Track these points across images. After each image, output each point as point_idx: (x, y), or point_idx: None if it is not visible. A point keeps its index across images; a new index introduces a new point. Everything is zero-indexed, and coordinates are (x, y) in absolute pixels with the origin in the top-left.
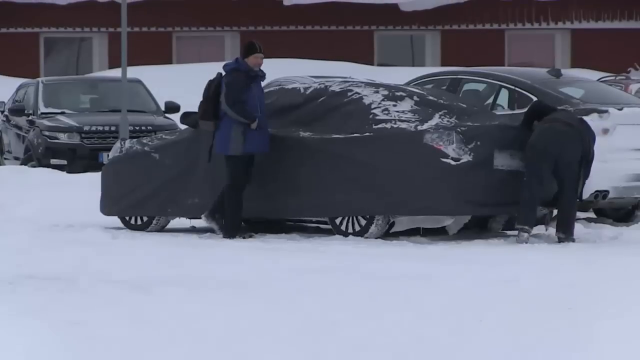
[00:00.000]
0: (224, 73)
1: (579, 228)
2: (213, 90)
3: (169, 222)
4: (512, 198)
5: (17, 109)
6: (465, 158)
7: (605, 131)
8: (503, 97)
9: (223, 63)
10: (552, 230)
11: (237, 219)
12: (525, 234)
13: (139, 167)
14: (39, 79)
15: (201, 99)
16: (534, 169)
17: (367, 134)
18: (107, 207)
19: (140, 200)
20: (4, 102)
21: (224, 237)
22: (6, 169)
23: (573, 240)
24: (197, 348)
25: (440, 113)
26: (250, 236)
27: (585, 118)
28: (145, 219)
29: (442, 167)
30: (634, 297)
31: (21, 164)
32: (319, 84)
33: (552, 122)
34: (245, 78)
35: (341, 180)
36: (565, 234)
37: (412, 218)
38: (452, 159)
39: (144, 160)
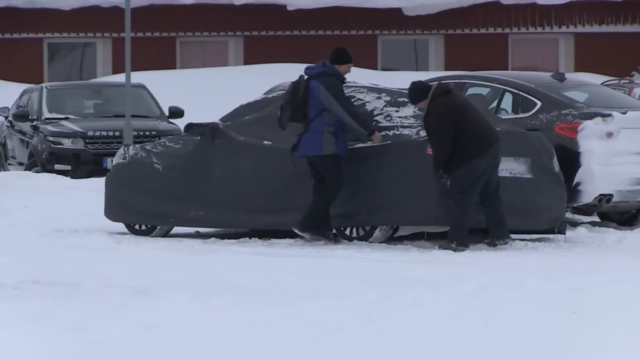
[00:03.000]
0: (305, 76)
1: (582, 232)
2: (303, 92)
3: (173, 227)
4: (517, 203)
5: (21, 115)
6: None
7: (609, 135)
8: (507, 101)
9: (227, 67)
10: (559, 236)
11: (328, 221)
12: (463, 253)
13: (143, 176)
14: (43, 85)
15: (284, 101)
16: (470, 195)
17: (369, 142)
18: (112, 212)
19: (144, 209)
20: (7, 107)
21: (316, 239)
22: (10, 174)
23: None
24: (201, 352)
25: None
26: (336, 240)
27: (589, 122)
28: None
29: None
30: (638, 300)
31: (25, 170)
32: None
33: (473, 155)
34: (340, 84)
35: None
36: (504, 238)
37: None
38: None
39: (148, 169)
